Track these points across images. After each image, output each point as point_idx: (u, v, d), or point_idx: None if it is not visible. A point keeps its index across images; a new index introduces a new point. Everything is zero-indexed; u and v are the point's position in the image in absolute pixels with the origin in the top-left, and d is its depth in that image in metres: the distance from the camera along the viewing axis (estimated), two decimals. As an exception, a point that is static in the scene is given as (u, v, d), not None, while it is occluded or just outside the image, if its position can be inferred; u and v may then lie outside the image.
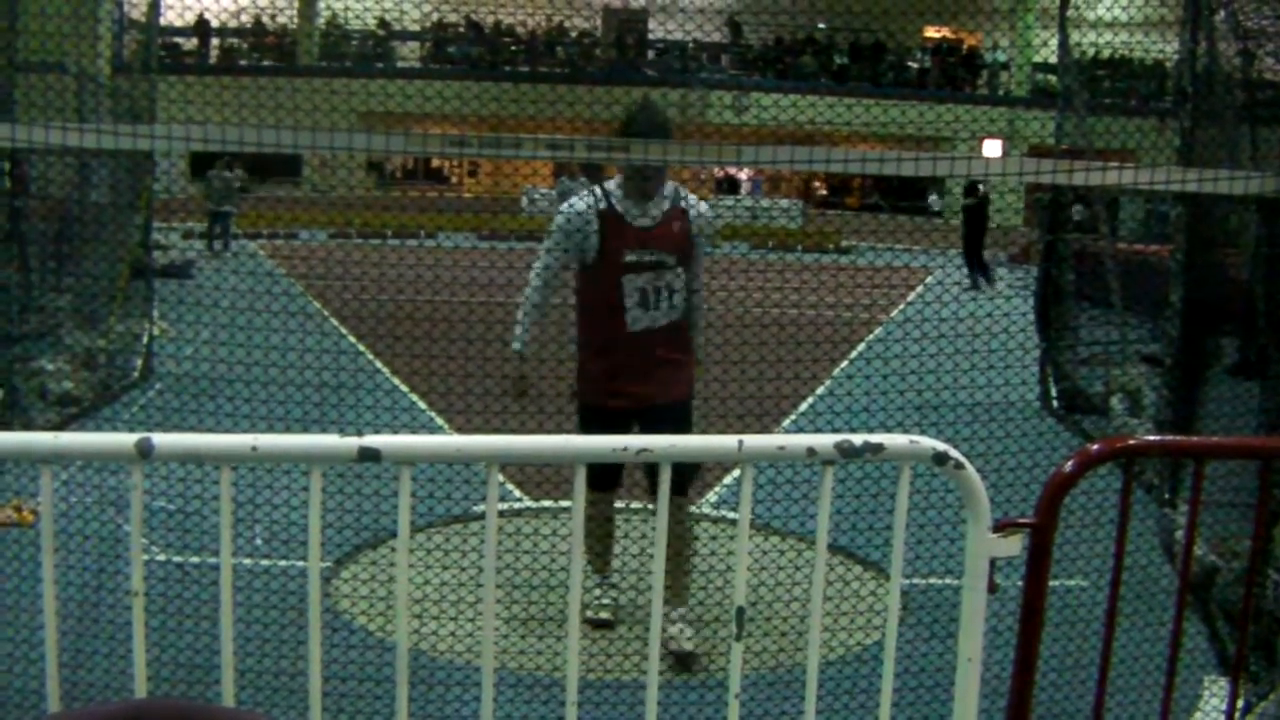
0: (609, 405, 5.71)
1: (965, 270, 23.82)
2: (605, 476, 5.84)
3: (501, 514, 6.88)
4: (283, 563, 6.34)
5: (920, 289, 18.08)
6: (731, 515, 7.19)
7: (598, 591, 6.14)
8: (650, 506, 4.70)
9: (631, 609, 6.16)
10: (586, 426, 5.78)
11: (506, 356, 5.90)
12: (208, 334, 8.01)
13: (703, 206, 5.80)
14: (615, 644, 5.79)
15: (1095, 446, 3.53)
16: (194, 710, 2.85)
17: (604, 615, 6.06)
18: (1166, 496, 7.40)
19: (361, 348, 12.40)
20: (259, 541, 6.58)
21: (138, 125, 7.51)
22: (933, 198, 39.97)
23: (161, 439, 3.10)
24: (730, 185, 41.50)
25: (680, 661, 5.56)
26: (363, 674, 5.11)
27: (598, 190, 5.69)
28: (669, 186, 5.73)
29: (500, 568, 6.41)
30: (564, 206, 5.81)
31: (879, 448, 3.28)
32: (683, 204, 5.70)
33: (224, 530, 3.21)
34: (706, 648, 5.63)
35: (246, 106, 6.83)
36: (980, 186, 25.35)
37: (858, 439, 3.27)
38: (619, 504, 6.14)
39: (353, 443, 3.12)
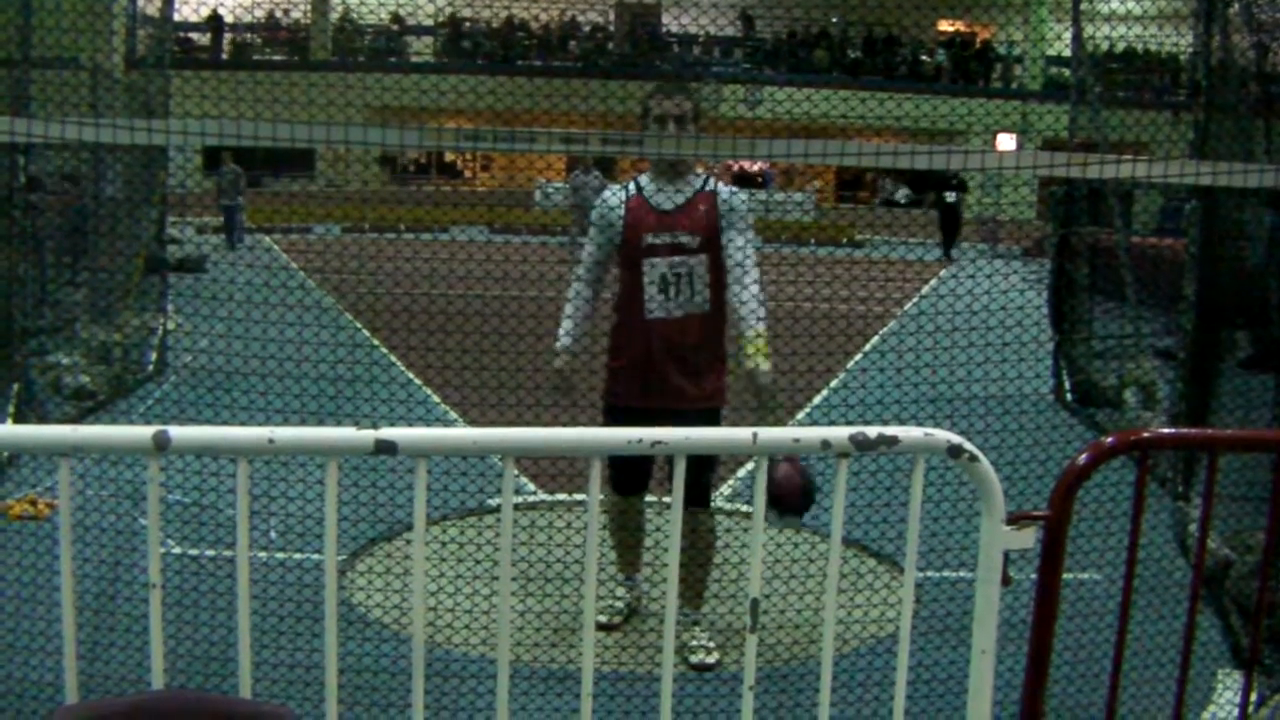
0: (627, 404, 5.62)
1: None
2: (630, 479, 5.80)
3: (516, 507, 6.91)
4: (297, 555, 6.36)
5: (934, 282, 18.08)
6: (746, 508, 7.20)
7: (618, 590, 6.12)
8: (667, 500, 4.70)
9: (646, 602, 6.17)
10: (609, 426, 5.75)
11: (549, 352, 5.86)
12: (222, 327, 8.03)
13: (736, 195, 5.58)
14: (630, 637, 5.80)
15: (1109, 439, 3.52)
16: (211, 702, 2.87)
17: (602, 618, 5.95)
18: (1180, 489, 7.40)
19: (375, 341, 12.42)
20: (273, 535, 6.61)
21: (151, 120, 7.53)
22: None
23: (178, 432, 3.12)
24: (744, 179, 41.37)
25: (699, 671, 5.52)
26: (378, 666, 5.13)
27: (633, 181, 5.70)
28: (701, 175, 5.63)
29: (515, 561, 6.43)
30: (604, 193, 5.82)
31: (893, 440, 3.29)
32: (709, 188, 5.56)
33: (241, 523, 3.23)
34: (721, 655, 5.61)
35: (260, 101, 6.84)
36: (951, 195, 29.36)
37: (872, 431, 3.28)
38: (650, 497, 6.06)
39: (369, 435, 3.14)
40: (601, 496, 4.78)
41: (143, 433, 3.11)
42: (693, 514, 5.27)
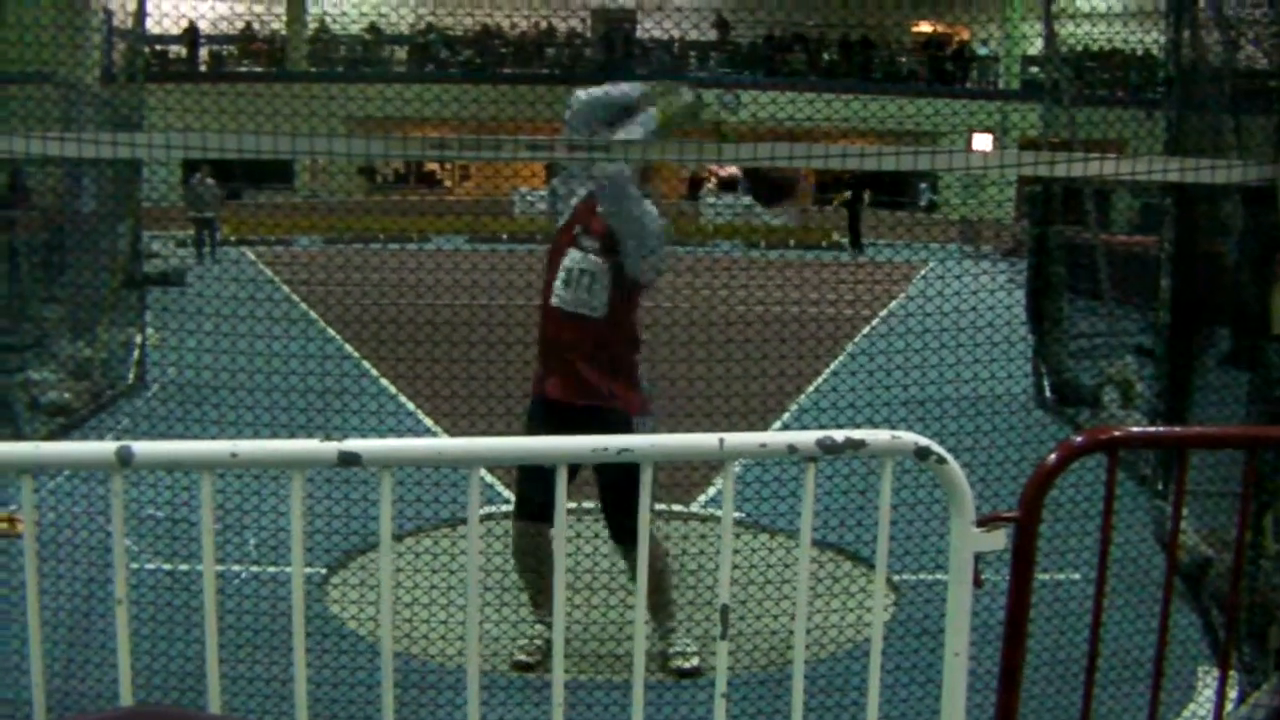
0: (538, 391, 5.55)
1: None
2: (533, 505, 5.29)
3: (490, 516, 6.89)
4: (272, 569, 6.34)
5: (913, 284, 18.08)
6: (719, 513, 7.19)
7: (536, 627, 5.76)
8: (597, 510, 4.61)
9: (613, 613, 6.13)
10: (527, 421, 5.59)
11: None
12: (200, 341, 8.01)
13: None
14: (606, 645, 5.78)
15: (1078, 438, 3.52)
16: (180, 717, 2.84)
17: (522, 657, 5.64)
18: (1160, 488, 7.41)
19: (355, 353, 12.39)
20: (251, 548, 6.58)
21: (127, 133, 7.50)
22: (925, 190, 40.68)
23: (142, 447, 3.10)
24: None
25: (683, 677, 5.50)
26: (354, 679, 5.11)
27: None
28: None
29: (489, 570, 6.41)
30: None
31: (860, 444, 3.28)
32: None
33: (205, 537, 3.21)
34: (703, 660, 5.59)
35: (242, 113, 6.83)
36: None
37: (839, 435, 3.27)
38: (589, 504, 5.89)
39: (332, 448, 3.11)
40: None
41: (106, 448, 3.09)
42: (627, 552, 5.26)
